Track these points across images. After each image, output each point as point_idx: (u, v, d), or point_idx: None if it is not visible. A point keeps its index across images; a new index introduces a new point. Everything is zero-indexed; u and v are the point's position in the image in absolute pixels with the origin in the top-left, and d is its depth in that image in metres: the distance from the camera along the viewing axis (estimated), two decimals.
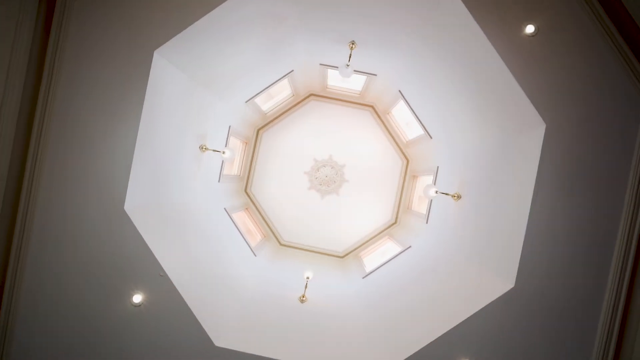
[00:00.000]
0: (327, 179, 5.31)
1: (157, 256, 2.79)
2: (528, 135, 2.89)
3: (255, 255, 4.40)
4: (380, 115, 5.25)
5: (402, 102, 4.45)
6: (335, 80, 4.83)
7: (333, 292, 4.16)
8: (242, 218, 5.18)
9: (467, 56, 3.06)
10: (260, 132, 5.24)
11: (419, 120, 4.36)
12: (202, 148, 3.71)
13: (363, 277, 4.30)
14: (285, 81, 4.60)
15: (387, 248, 4.99)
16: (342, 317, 3.74)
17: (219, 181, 4.41)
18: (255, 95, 4.42)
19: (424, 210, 4.32)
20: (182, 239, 3.56)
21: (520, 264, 2.86)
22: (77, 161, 2.68)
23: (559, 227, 2.86)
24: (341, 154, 5.29)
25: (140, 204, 2.94)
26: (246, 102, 4.43)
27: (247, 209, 5.33)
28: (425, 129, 4.36)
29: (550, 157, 2.72)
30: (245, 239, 4.39)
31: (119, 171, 2.74)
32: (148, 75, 2.66)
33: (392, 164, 5.26)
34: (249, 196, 5.37)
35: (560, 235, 2.85)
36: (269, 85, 4.40)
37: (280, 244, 5.34)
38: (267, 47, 3.64)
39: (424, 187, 3.87)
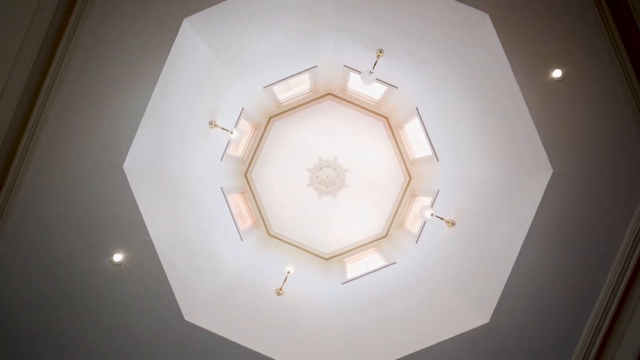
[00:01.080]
0: (328, 179, 5.30)
1: (145, 220, 2.79)
2: (533, 177, 2.89)
3: (242, 240, 4.41)
4: (392, 128, 5.24)
5: (416, 120, 4.45)
6: (356, 84, 4.82)
7: (310, 291, 4.17)
8: (236, 200, 5.18)
9: (490, 88, 3.06)
10: (272, 120, 5.23)
11: (430, 140, 4.35)
12: (212, 124, 3.70)
13: (343, 283, 4.31)
14: (306, 75, 4.59)
15: (372, 259, 4.99)
16: (314, 317, 3.75)
17: (221, 160, 4.41)
18: (274, 83, 4.41)
19: (416, 230, 4.33)
20: (173, 209, 3.56)
21: (499, 302, 2.87)
22: (86, 112, 2.67)
23: (545, 275, 2.86)
24: (347, 158, 5.29)
25: (140, 166, 2.94)
26: (264, 87, 4.43)
27: (243, 192, 5.33)
28: (434, 150, 4.35)
29: (551, 203, 2.72)
30: (235, 222, 4.39)
31: (126, 130, 2.73)
32: (173, 41, 2.65)
33: (394, 179, 5.26)
34: (247, 180, 5.37)
35: (544, 284, 2.86)
36: (290, 76, 4.39)
37: (269, 234, 5.35)
38: (295, 38, 3.63)
39: (420, 208, 3.88)
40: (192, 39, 2.86)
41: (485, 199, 3.55)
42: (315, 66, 4.31)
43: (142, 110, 2.71)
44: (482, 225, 3.47)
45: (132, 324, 2.92)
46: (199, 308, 3.13)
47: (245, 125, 4.92)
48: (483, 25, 2.59)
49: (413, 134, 4.95)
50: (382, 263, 4.46)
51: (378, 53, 3.43)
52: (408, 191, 5.18)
